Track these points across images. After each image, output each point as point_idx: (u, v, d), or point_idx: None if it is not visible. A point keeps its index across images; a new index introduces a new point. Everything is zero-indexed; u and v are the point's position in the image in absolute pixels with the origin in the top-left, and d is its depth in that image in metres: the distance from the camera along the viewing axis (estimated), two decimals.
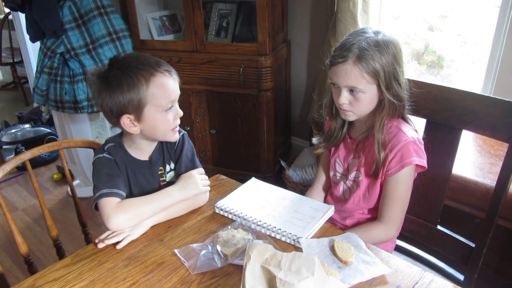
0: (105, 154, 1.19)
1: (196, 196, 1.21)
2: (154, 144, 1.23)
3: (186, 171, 1.23)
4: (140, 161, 1.22)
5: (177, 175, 1.24)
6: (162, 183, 1.26)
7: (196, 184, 1.19)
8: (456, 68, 2.27)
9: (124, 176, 1.20)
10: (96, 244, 1.08)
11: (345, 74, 1.15)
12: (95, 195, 1.13)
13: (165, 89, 1.10)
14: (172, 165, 1.27)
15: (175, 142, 1.25)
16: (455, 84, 2.25)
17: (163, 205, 1.15)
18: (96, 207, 1.13)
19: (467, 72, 2.23)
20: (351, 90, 1.17)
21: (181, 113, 1.17)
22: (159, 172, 1.25)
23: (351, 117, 1.23)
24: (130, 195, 1.21)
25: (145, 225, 1.13)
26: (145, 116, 1.11)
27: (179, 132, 1.26)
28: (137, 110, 1.10)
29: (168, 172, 1.27)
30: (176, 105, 1.16)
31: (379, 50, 1.13)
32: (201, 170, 1.26)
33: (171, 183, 1.26)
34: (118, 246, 1.07)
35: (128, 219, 1.10)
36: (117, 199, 1.12)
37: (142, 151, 1.22)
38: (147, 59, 1.13)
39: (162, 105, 1.11)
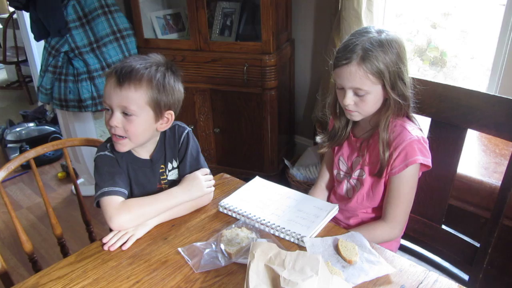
0: (106, 152, 1.19)
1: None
2: (154, 143, 1.23)
3: (191, 171, 1.23)
4: (141, 160, 1.22)
5: (182, 175, 1.24)
6: (162, 181, 1.26)
7: (200, 186, 1.19)
8: (459, 65, 2.26)
9: (125, 174, 1.20)
10: (102, 246, 1.08)
11: (349, 76, 1.15)
12: (97, 193, 1.13)
13: (106, 88, 1.11)
14: (175, 164, 1.26)
15: (179, 140, 1.24)
16: (458, 80, 2.24)
17: (166, 206, 1.15)
18: (98, 205, 1.13)
19: (470, 69, 2.22)
20: (356, 91, 1.16)
21: (113, 122, 1.09)
22: (160, 171, 1.25)
23: (356, 117, 1.23)
24: (131, 193, 1.21)
25: (149, 224, 1.13)
26: None
27: (184, 129, 1.25)
28: None
29: (170, 171, 1.26)
30: (116, 113, 1.09)
31: (383, 50, 1.13)
32: (205, 170, 1.25)
33: (173, 181, 1.26)
34: (124, 247, 1.07)
35: (131, 219, 1.10)
36: (120, 198, 1.12)
37: (142, 149, 1.21)
38: (139, 60, 1.13)
39: (103, 101, 1.13)
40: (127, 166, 1.20)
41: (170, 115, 1.17)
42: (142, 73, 1.09)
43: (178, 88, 1.17)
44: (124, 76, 1.07)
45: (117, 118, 1.09)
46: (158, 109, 1.13)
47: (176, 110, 1.19)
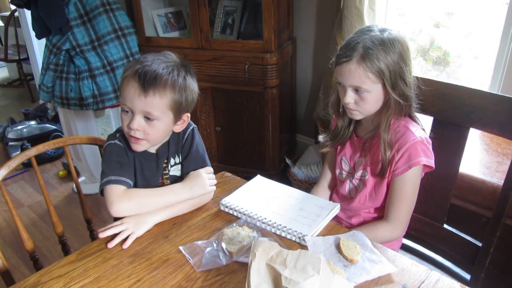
0: (116, 141, 1.19)
1: None
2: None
3: (195, 169, 1.22)
4: (148, 154, 1.22)
5: (186, 172, 1.23)
6: (164, 176, 1.26)
7: (203, 184, 1.19)
8: (462, 64, 2.25)
9: (132, 165, 1.20)
10: (106, 244, 1.08)
11: (349, 74, 1.14)
12: (102, 181, 1.14)
13: (127, 91, 1.09)
14: (177, 159, 1.26)
15: (183, 136, 1.24)
16: (461, 80, 2.23)
17: (168, 201, 1.15)
18: (102, 193, 1.14)
19: (473, 68, 2.21)
20: (357, 90, 1.16)
21: (134, 125, 1.09)
22: (163, 165, 1.25)
23: (357, 116, 1.22)
24: (135, 185, 1.22)
25: (149, 223, 1.13)
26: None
27: (189, 125, 1.25)
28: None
29: (172, 166, 1.26)
30: (137, 116, 1.09)
31: (384, 49, 1.12)
32: (209, 169, 1.25)
33: (174, 177, 1.26)
34: (124, 246, 1.07)
35: (131, 207, 1.10)
36: (123, 187, 1.13)
37: None
38: (160, 63, 1.11)
39: (121, 103, 1.12)
40: (134, 158, 1.21)
41: (186, 117, 1.19)
42: (166, 79, 1.09)
43: (196, 90, 1.19)
44: (149, 84, 1.07)
45: (139, 122, 1.10)
46: (178, 113, 1.15)
47: (191, 111, 1.21)
